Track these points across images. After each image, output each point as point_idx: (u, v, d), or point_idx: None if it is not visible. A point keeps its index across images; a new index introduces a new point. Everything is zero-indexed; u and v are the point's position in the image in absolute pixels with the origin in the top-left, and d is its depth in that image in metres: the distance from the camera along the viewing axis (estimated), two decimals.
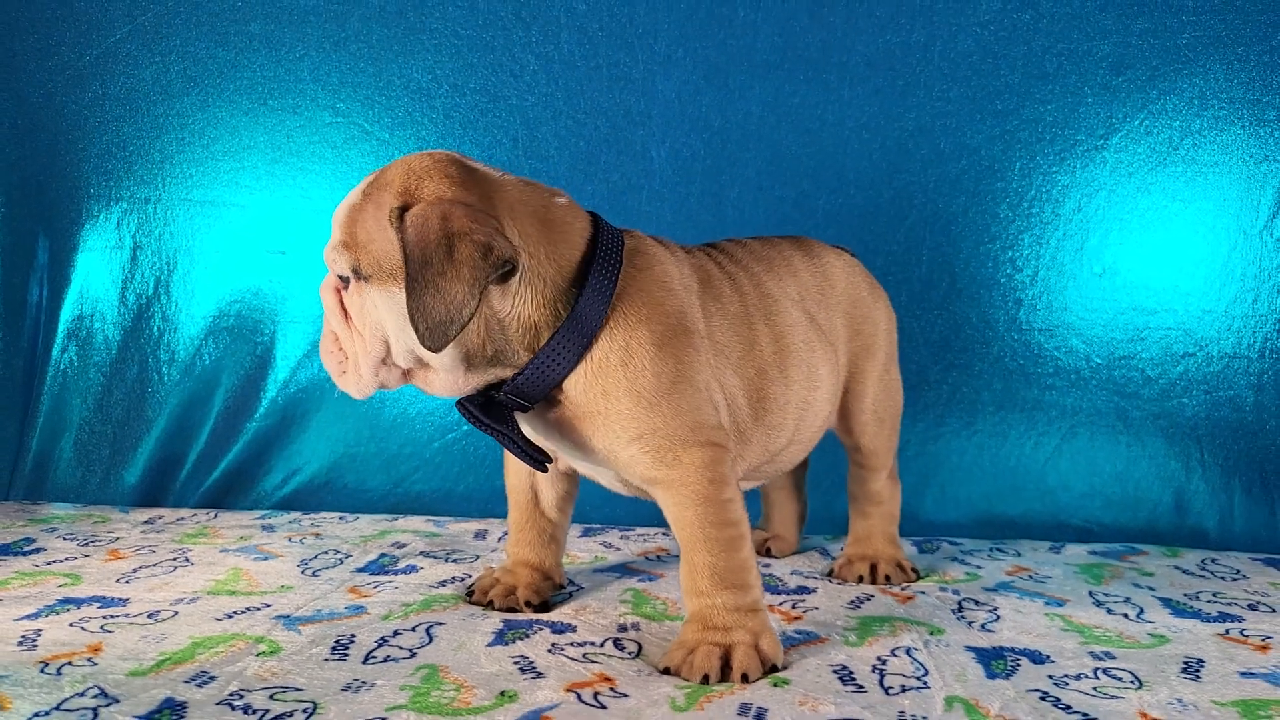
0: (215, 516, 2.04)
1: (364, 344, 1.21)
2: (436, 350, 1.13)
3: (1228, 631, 1.40)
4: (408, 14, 2.11)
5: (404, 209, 1.14)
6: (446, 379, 1.21)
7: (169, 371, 2.19)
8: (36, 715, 1.02)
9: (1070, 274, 2.03)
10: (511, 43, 2.10)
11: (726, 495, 1.22)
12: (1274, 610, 1.52)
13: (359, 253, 1.17)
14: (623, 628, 1.36)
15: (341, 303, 1.23)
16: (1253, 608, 1.53)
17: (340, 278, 1.22)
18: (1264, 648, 1.33)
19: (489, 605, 1.45)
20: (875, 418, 1.64)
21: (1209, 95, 1.97)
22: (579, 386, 1.20)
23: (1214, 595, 1.60)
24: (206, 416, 2.18)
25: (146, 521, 1.98)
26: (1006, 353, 2.04)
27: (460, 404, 1.24)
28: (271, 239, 2.18)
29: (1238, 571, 1.77)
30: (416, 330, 1.11)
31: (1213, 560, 1.85)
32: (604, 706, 1.08)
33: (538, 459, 1.26)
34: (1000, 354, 2.04)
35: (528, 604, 1.43)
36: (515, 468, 1.50)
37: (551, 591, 1.49)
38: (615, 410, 1.20)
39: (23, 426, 2.21)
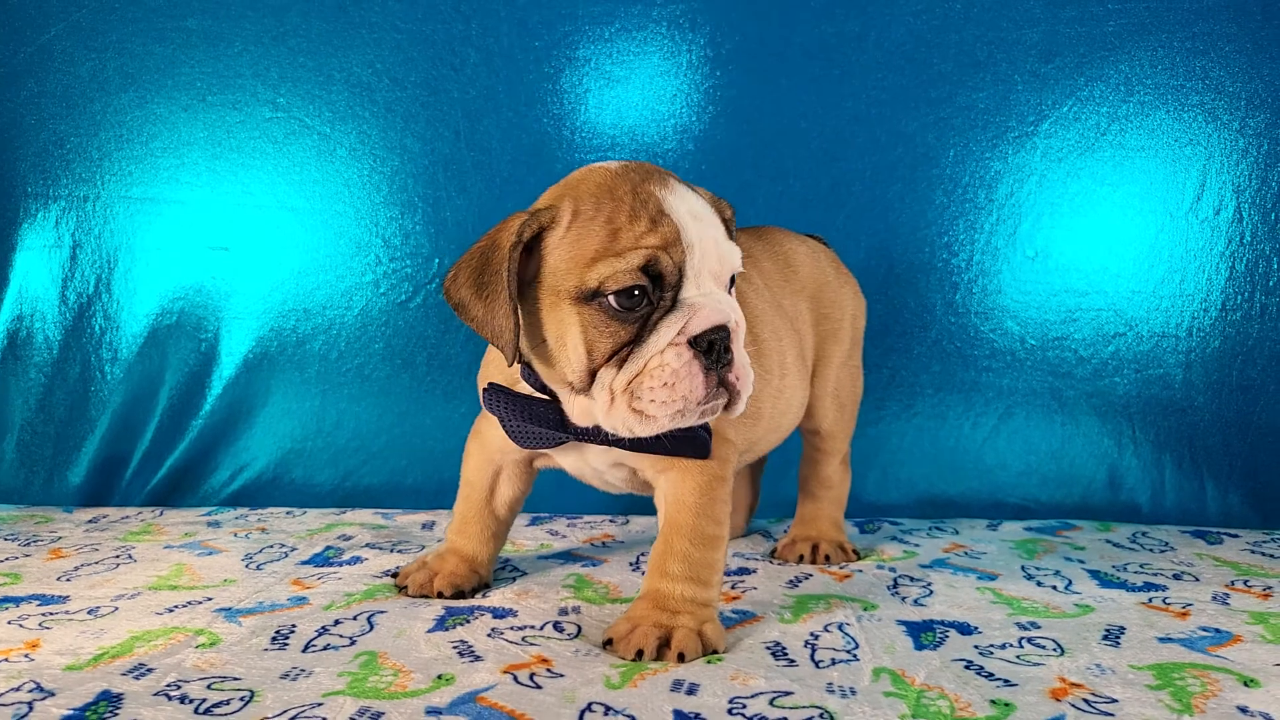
0: (160, 514, 2.04)
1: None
2: None
3: (1150, 600, 1.45)
4: (347, 8, 2.11)
5: None
6: None
7: (111, 370, 2.17)
8: None
9: (1004, 258, 2.07)
10: (452, 36, 2.10)
11: (723, 495, 1.28)
12: (1197, 579, 1.57)
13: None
14: (563, 611, 1.38)
15: None
16: (1177, 577, 1.59)
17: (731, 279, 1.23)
18: (1183, 614, 1.38)
19: (402, 590, 1.46)
20: (836, 403, 1.67)
21: (1134, 81, 2.02)
22: None
23: (1141, 566, 1.65)
24: (151, 415, 2.17)
25: (90, 521, 1.97)
26: (944, 336, 2.09)
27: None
28: (213, 235, 2.17)
29: (1166, 544, 1.83)
30: None
31: (1144, 534, 1.91)
32: (540, 686, 1.09)
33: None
34: (938, 337, 2.09)
35: (439, 594, 1.44)
36: (478, 462, 1.49)
37: (472, 585, 1.47)
38: None
39: None
